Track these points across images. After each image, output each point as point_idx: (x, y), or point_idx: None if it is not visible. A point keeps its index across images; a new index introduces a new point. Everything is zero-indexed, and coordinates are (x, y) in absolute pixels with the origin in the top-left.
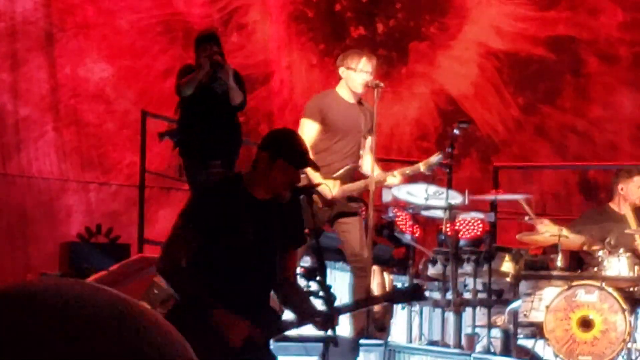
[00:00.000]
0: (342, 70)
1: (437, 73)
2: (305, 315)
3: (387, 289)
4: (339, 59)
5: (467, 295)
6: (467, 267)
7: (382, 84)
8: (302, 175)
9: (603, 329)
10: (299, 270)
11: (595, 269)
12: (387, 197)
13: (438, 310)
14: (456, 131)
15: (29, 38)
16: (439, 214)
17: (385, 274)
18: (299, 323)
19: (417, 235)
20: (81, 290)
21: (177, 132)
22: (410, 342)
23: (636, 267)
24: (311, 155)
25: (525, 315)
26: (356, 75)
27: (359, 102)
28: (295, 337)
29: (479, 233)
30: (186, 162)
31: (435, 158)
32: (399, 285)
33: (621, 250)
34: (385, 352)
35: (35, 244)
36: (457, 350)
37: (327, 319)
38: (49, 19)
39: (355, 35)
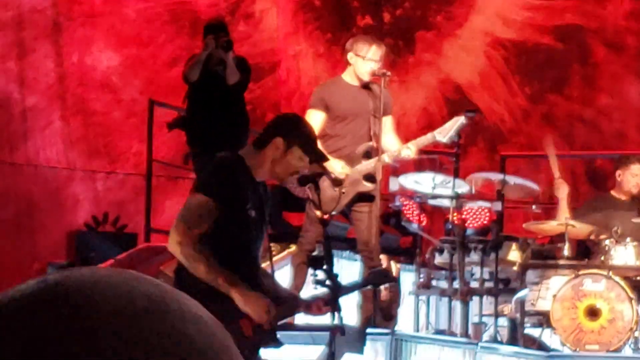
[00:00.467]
0: (350, 56)
1: (444, 62)
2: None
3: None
4: (349, 43)
5: (474, 284)
6: (474, 256)
7: (389, 73)
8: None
9: (610, 318)
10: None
11: (602, 257)
12: (394, 186)
13: (445, 299)
14: (464, 121)
15: (36, 27)
16: (445, 203)
17: (393, 263)
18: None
19: (424, 224)
20: (110, 280)
21: (186, 121)
22: (417, 331)
23: None
24: (319, 142)
25: (532, 304)
26: (364, 63)
27: (368, 85)
28: (301, 326)
29: (485, 222)
30: (193, 151)
31: (451, 123)
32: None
33: (628, 239)
34: (392, 341)
35: (42, 232)
36: (464, 339)
37: (327, 303)
38: (56, 7)
39: (362, 24)
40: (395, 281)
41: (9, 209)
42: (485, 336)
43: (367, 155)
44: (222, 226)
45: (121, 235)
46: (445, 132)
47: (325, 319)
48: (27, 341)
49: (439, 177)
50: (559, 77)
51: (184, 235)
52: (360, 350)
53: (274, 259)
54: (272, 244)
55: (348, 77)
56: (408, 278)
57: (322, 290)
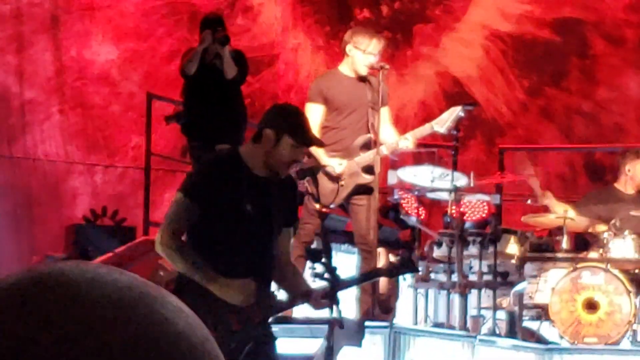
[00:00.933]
0: (349, 48)
1: (442, 55)
2: (302, 293)
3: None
4: (347, 35)
5: (473, 277)
6: (473, 249)
7: (387, 66)
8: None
9: (608, 311)
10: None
11: (601, 250)
12: (392, 179)
13: (443, 292)
14: (461, 113)
15: (35, 20)
16: (444, 196)
17: (391, 256)
18: (293, 302)
19: (422, 217)
20: (96, 271)
21: (183, 114)
22: (416, 324)
23: None
24: (319, 135)
25: (530, 297)
26: (363, 56)
27: (365, 77)
28: (300, 319)
29: (484, 215)
30: (191, 144)
31: (448, 114)
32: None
33: (626, 232)
34: (391, 334)
35: (40, 226)
36: (462, 332)
37: (325, 297)
38: (54, 1)
39: (360, 17)
40: (417, 270)
41: (7, 202)
42: (484, 329)
43: (366, 147)
44: (211, 223)
45: (120, 229)
46: (443, 123)
47: (323, 312)
48: (20, 330)
49: (438, 170)
50: (557, 71)
51: (163, 234)
52: (358, 343)
53: None
54: None
55: (346, 69)
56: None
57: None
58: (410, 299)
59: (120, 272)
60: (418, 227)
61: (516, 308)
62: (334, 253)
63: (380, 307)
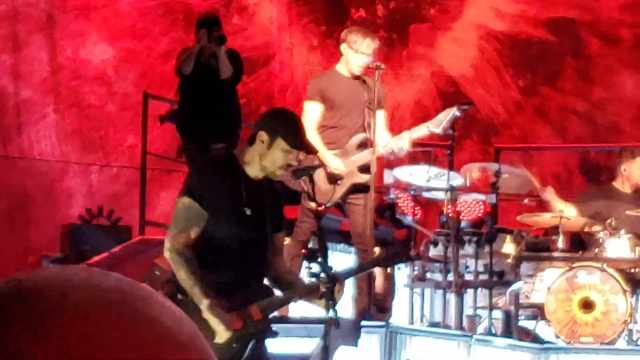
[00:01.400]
0: (343, 47)
1: (438, 55)
2: (302, 290)
3: (388, 271)
4: (343, 34)
5: (469, 277)
6: (469, 249)
7: (383, 66)
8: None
9: (604, 310)
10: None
11: (597, 250)
12: (388, 178)
13: (439, 292)
14: (457, 113)
15: (30, 20)
16: (440, 195)
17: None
18: (288, 300)
19: (418, 216)
20: (79, 275)
21: (178, 113)
22: (412, 323)
23: (637, 248)
24: (315, 135)
25: (526, 296)
26: (356, 56)
27: (361, 77)
28: (296, 318)
29: (480, 214)
30: (186, 144)
31: (444, 114)
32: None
33: (622, 231)
34: (387, 333)
35: (36, 226)
36: (458, 332)
37: (326, 290)
38: (50, 1)
39: (356, 17)
40: (411, 259)
41: (3, 202)
42: (480, 328)
43: (362, 146)
44: (215, 226)
45: (116, 228)
46: (439, 123)
47: (319, 312)
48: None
49: (434, 170)
50: (552, 70)
51: (173, 241)
52: (355, 343)
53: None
54: None
55: (342, 68)
56: (402, 271)
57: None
58: (406, 299)
59: (105, 275)
60: (414, 226)
61: (512, 307)
62: (330, 252)
63: (376, 306)
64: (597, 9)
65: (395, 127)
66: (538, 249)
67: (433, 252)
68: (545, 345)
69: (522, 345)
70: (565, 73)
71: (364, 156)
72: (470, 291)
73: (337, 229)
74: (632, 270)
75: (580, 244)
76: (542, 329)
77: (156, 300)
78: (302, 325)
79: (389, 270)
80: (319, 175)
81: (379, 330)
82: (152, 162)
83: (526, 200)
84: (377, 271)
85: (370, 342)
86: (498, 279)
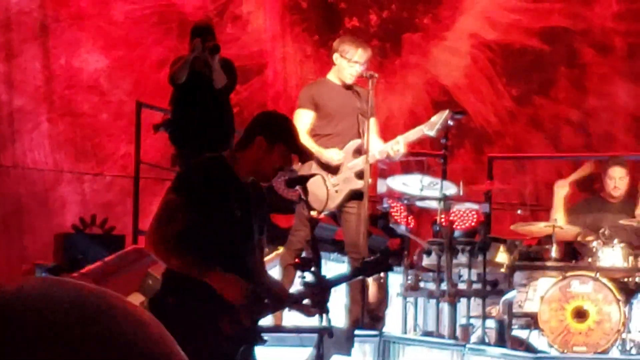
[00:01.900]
0: (336, 57)
1: (431, 64)
2: (292, 299)
3: (381, 280)
4: (335, 43)
5: (462, 286)
6: (462, 258)
7: (376, 75)
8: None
9: (597, 320)
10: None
11: (590, 259)
12: (381, 187)
13: (433, 301)
14: (450, 122)
15: (24, 29)
16: (433, 204)
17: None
18: (280, 306)
19: (411, 226)
20: (41, 293)
21: (171, 122)
22: (405, 332)
23: (630, 258)
24: (307, 140)
25: (519, 305)
26: (348, 65)
27: (353, 85)
28: (290, 327)
29: (473, 224)
30: (179, 152)
31: (437, 117)
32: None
33: (615, 241)
34: (380, 342)
35: (29, 234)
36: (451, 341)
37: (314, 305)
38: (43, 9)
39: (349, 26)
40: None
41: None
42: (473, 338)
43: (358, 152)
44: (202, 225)
45: (109, 237)
46: (433, 126)
47: (313, 321)
48: None
49: (427, 179)
50: (545, 79)
51: (155, 233)
52: (348, 352)
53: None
54: None
55: (334, 77)
56: (396, 280)
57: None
58: (399, 308)
59: (70, 289)
60: (407, 235)
61: (505, 317)
62: (323, 262)
63: (369, 315)
64: (591, 18)
65: (389, 136)
66: (531, 258)
67: (426, 261)
68: (539, 355)
69: (515, 355)
70: (559, 82)
71: (360, 162)
72: (463, 300)
73: (331, 238)
74: (625, 280)
75: (574, 254)
76: (535, 339)
77: (119, 307)
78: (296, 334)
79: (381, 277)
80: (314, 183)
81: (372, 340)
82: (146, 171)
83: (519, 211)
84: (370, 280)
85: (364, 351)
86: (491, 288)
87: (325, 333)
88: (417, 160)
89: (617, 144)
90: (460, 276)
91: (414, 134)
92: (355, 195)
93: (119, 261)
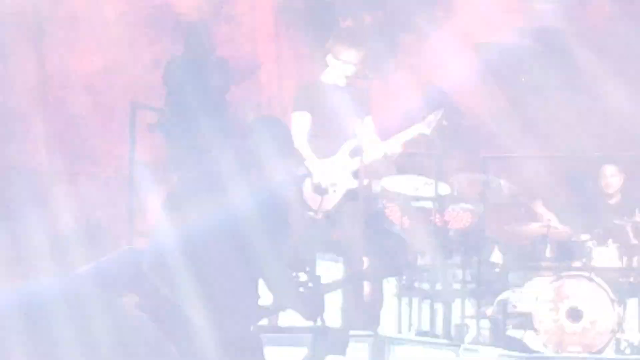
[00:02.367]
0: (329, 57)
1: (425, 64)
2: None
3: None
4: (329, 44)
5: (457, 286)
6: (456, 258)
7: (370, 75)
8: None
9: (592, 320)
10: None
11: (584, 259)
12: (376, 188)
13: (427, 301)
14: (444, 122)
15: (18, 29)
16: (428, 204)
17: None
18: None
19: (406, 225)
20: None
21: (167, 123)
22: (400, 332)
23: (624, 258)
24: (305, 145)
25: (514, 305)
26: (342, 66)
27: (347, 86)
28: (284, 327)
29: (467, 223)
30: (175, 153)
31: (432, 116)
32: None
33: (610, 241)
34: (375, 342)
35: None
36: (446, 341)
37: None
38: (37, 10)
39: (344, 26)
40: (401, 274)
41: None
42: (468, 337)
43: (354, 152)
44: (192, 236)
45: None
46: (428, 125)
47: (308, 321)
48: None
49: (421, 179)
50: (539, 80)
51: (153, 253)
52: (342, 352)
53: None
54: None
55: (328, 77)
56: (391, 280)
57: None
58: (394, 308)
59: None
60: (402, 235)
61: (500, 316)
62: (318, 262)
63: (364, 315)
64: (585, 19)
65: (383, 136)
66: (526, 258)
67: (421, 261)
68: (533, 355)
69: (510, 355)
70: (552, 83)
71: (355, 163)
72: (458, 300)
73: (326, 238)
74: (620, 280)
75: (568, 254)
76: (530, 338)
77: (115, 306)
78: (290, 334)
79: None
80: (309, 183)
81: (367, 339)
82: (140, 171)
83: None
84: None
85: (359, 351)
86: (486, 288)
87: (320, 333)
88: (411, 160)
89: (610, 144)
90: (454, 276)
91: (409, 133)
92: (351, 196)
93: (114, 262)
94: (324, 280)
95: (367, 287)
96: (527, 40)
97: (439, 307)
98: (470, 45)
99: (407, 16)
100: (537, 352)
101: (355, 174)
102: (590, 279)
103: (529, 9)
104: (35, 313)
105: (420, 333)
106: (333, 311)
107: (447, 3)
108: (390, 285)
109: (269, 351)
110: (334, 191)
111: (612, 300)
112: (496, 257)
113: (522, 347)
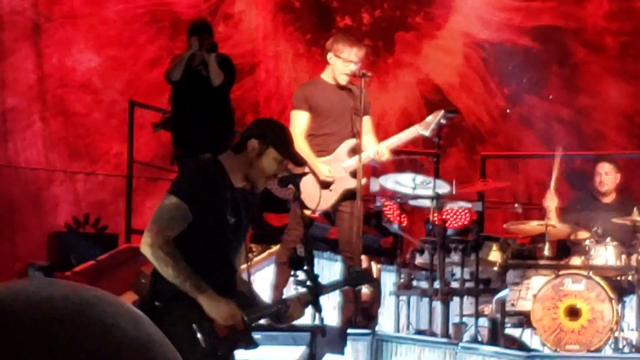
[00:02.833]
0: (330, 56)
1: (423, 63)
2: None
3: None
4: (329, 42)
5: (455, 285)
6: (455, 256)
7: (369, 74)
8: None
9: (590, 318)
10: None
11: (583, 257)
12: (374, 186)
13: (425, 300)
14: (443, 121)
15: (16, 28)
16: (426, 203)
17: (373, 264)
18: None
19: (404, 224)
20: (30, 292)
21: (170, 122)
22: (398, 331)
23: (623, 256)
24: (304, 144)
25: (512, 304)
26: (343, 64)
27: (346, 84)
28: (282, 326)
29: (466, 222)
30: (178, 152)
31: (432, 117)
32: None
33: (608, 239)
34: (373, 341)
35: (22, 234)
36: (444, 340)
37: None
38: (36, 8)
39: (342, 25)
40: (374, 282)
41: None
42: (466, 336)
43: (353, 152)
44: (198, 230)
45: (102, 236)
46: (427, 126)
47: (306, 319)
48: None
49: (420, 178)
50: (537, 78)
51: (155, 236)
52: (341, 351)
53: (255, 259)
54: (252, 245)
55: (327, 76)
56: (389, 278)
57: (300, 291)
58: (392, 307)
59: (60, 286)
60: (400, 234)
61: (498, 315)
62: (316, 261)
63: (362, 314)
64: (583, 17)
65: (382, 135)
66: (524, 256)
67: (419, 259)
68: (532, 353)
69: (508, 353)
70: (551, 81)
71: (354, 162)
72: (456, 299)
73: (323, 237)
74: (618, 278)
75: (566, 252)
76: (528, 337)
77: (112, 305)
78: (289, 333)
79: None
80: (307, 183)
81: (365, 338)
82: (138, 170)
83: (516, 205)
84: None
85: (357, 350)
86: (484, 287)
87: (318, 332)
88: (409, 158)
89: (608, 142)
90: (453, 275)
91: (407, 135)
92: (349, 195)
93: (112, 260)
94: (322, 280)
95: (365, 286)
96: (525, 38)
97: (437, 305)
98: (469, 43)
99: (405, 14)
100: (536, 350)
101: (354, 174)
102: (589, 277)
103: (528, 7)
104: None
105: (419, 332)
106: (331, 310)
107: (446, 1)
108: (388, 284)
109: (268, 350)
110: (330, 191)
111: (611, 299)
112: (494, 255)
113: (521, 345)
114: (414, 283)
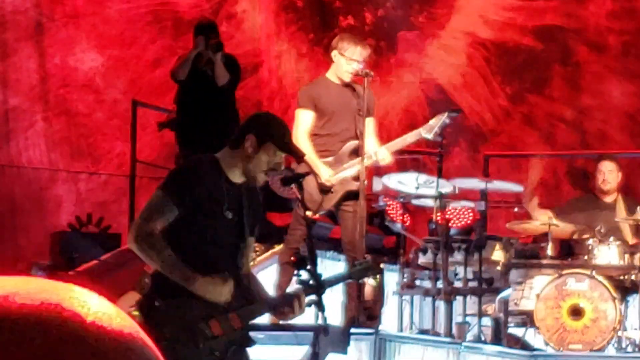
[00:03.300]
0: (334, 54)
1: (426, 62)
2: (268, 304)
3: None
4: (334, 41)
5: (458, 284)
6: (458, 256)
7: (371, 73)
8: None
9: (593, 318)
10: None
11: (586, 257)
12: (377, 186)
13: (429, 299)
14: (447, 121)
15: (19, 28)
16: (429, 202)
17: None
18: (267, 310)
19: (407, 224)
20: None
21: (176, 122)
22: (401, 331)
23: (626, 256)
24: (307, 143)
25: (515, 303)
26: (347, 63)
27: (350, 84)
28: (285, 325)
29: (469, 222)
30: (183, 152)
31: (435, 120)
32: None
33: (611, 239)
34: (376, 341)
35: (25, 233)
36: (447, 339)
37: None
38: (38, 8)
39: (344, 24)
40: (380, 272)
41: None
42: (469, 336)
43: (354, 153)
44: (190, 225)
45: (105, 236)
46: (430, 129)
47: (309, 319)
48: None
49: (422, 177)
50: (539, 78)
51: (138, 229)
52: (344, 350)
53: (258, 259)
54: (255, 244)
55: (332, 75)
56: (392, 278)
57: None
58: (395, 306)
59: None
60: (403, 233)
61: (501, 315)
62: (319, 260)
63: (365, 314)
64: (585, 16)
65: (384, 135)
66: (527, 256)
67: (422, 259)
68: (535, 353)
69: (511, 353)
70: (553, 80)
71: (357, 163)
72: (459, 298)
73: (326, 236)
74: (621, 278)
75: (569, 251)
76: (531, 336)
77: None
78: (292, 332)
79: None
80: (310, 183)
81: (368, 338)
82: (141, 169)
83: (516, 209)
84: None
85: (360, 349)
86: (487, 286)
87: (321, 331)
88: (412, 158)
89: (611, 142)
90: (456, 274)
91: (410, 138)
92: (351, 196)
93: (115, 260)
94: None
95: (368, 285)
96: (528, 37)
97: (440, 305)
98: (471, 43)
99: (407, 14)
100: (539, 350)
101: (356, 175)
102: (592, 277)
103: (530, 7)
104: None
105: (422, 331)
106: (334, 309)
107: (448, 1)
108: (391, 284)
109: (271, 349)
110: (332, 192)
111: (614, 298)
112: (498, 255)
113: (524, 345)
114: (417, 282)
